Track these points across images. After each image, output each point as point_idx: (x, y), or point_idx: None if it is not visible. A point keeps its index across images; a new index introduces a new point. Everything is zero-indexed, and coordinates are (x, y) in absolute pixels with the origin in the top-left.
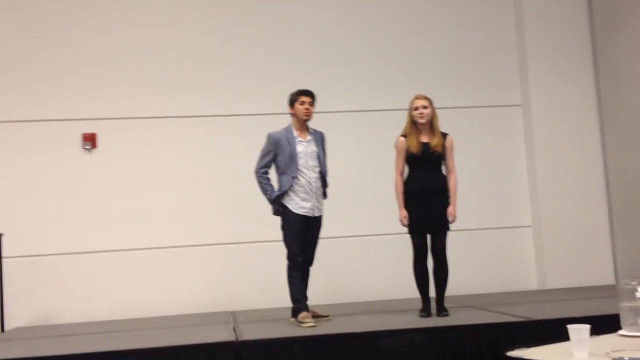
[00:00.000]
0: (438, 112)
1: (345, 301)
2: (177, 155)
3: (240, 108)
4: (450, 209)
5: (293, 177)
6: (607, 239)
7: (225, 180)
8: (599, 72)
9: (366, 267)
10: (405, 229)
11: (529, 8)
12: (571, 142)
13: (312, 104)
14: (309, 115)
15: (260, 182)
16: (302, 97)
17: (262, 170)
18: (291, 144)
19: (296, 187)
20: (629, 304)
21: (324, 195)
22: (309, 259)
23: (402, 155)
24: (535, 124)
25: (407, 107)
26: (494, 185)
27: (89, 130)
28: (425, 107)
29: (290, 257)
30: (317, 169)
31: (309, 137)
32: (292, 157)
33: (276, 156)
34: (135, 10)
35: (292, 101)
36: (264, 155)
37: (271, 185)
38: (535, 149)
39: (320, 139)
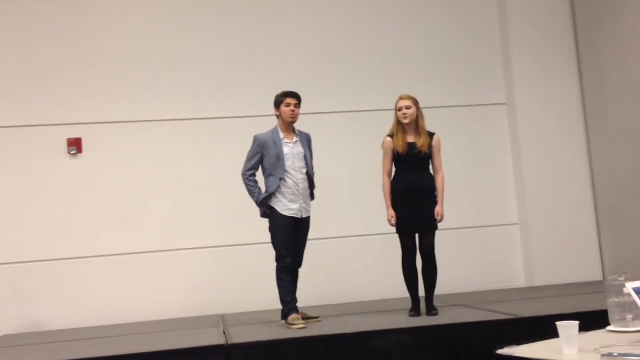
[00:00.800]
0: (423, 111)
1: (335, 302)
2: (163, 159)
3: (228, 111)
4: (437, 209)
5: (280, 179)
6: (594, 236)
7: (213, 183)
8: (583, 69)
9: (355, 268)
10: (394, 229)
11: (512, 6)
12: (557, 140)
13: (297, 105)
14: (294, 117)
15: (247, 185)
16: (287, 99)
17: (249, 173)
18: (277, 146)
19: (284, 189)
20: (616, 300)
21: (312, 196)
22: (297, 261)
23: (389, 156)
24: (520, 122)
25: (391, 107)
26: (481, 184)
27: (74, 135)
28: (408, 108)
29: (278, 259)
30: (304, 171)
31: (295, 139)
32: (279, 159)
33: (263, 158)
34: (121, 15)
35: (278, 103)
36: (250, 157)
37: (258, 188)
38: (521, 147)
39: (306, 141)
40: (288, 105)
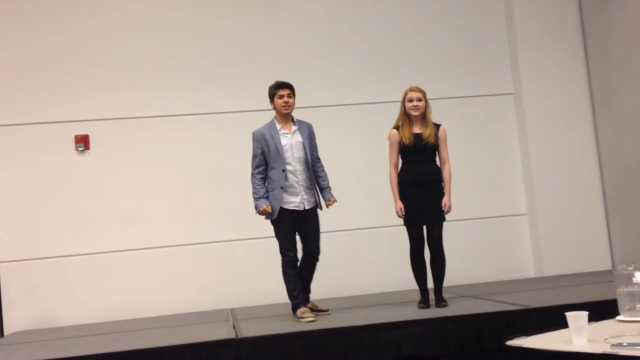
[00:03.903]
0: (430, 102)
1: (343, 295)
2: (171, 154)
3: (234, 105)
4: (445, 200)
5: (283, 170)
6: (602, 225)
7: (221, 178)
8: (590, 58)
9: (363, 260)
10: (401, 221)
11: None
12: (564, 129)
13: (290, 95)
14: (288, 108)
15: (252, 184)
16: (279, 90)
17: (257, 171)
18: (274, 138)
19: (284, 182)
20: (626, 290)
21: (325, 183)
22: (312, 253)
23: (396, 148)
24: (527, 111)
25: (399, 99)
26: (489, 175)
27: (82, 131)
28: (420, 100)
29: (282, 253)
30: (304, 160)
31: (293, 128)
32: (277, 151)
33: (264, 153)
34: (125, 11)
35: (272, 95)
36: (254, 155)
37: (264, 187)
38: (529, 136)
39: (307, 130)
40: (281, 97)
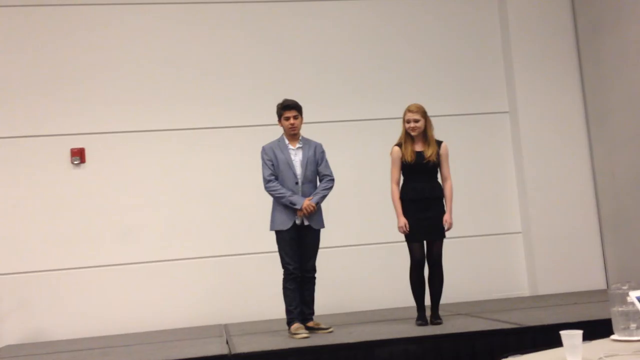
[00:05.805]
0: None
1: (339, 311)
2: (166, 169)
3: (231, 120)
4: (446, 217)
5: (296, 183)
6: (597, 244)
7: (216, 193)
8: (585, 77)
9: (359, 277)
10: (399, 237)
11: (513, 14)
12: (559, 148)
13: (297, 116)
14: (294, 129)
15: (272, 189)
16: (285, 112)
17: (269, 179)
18: (284, 153)
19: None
20: (620, 309)
21: (319, 189)
22: (307, 269)
23: (397, 165)
24: (522, 130)
25: (398, 115)
26: (484, 193)
27: (78, 145)
28: (417, 121)
29: (282, 266)
30: (302, 178)
31: (297, 146)
32: (288, 165)
33: (274, 165)
34: (122, 25)
35: (279, 115)
36: (265, 166)
37: (283, 189)
38: (524, 155)
39: (312, 150)
40: (287, 118)
